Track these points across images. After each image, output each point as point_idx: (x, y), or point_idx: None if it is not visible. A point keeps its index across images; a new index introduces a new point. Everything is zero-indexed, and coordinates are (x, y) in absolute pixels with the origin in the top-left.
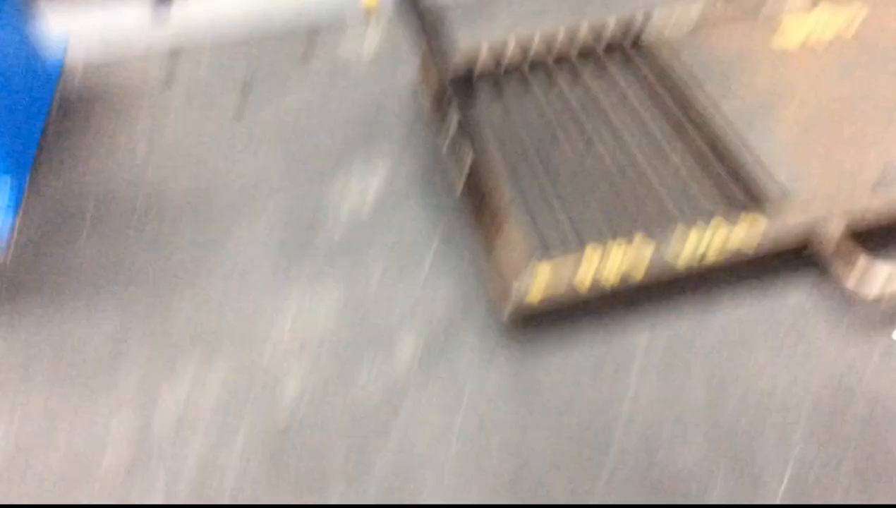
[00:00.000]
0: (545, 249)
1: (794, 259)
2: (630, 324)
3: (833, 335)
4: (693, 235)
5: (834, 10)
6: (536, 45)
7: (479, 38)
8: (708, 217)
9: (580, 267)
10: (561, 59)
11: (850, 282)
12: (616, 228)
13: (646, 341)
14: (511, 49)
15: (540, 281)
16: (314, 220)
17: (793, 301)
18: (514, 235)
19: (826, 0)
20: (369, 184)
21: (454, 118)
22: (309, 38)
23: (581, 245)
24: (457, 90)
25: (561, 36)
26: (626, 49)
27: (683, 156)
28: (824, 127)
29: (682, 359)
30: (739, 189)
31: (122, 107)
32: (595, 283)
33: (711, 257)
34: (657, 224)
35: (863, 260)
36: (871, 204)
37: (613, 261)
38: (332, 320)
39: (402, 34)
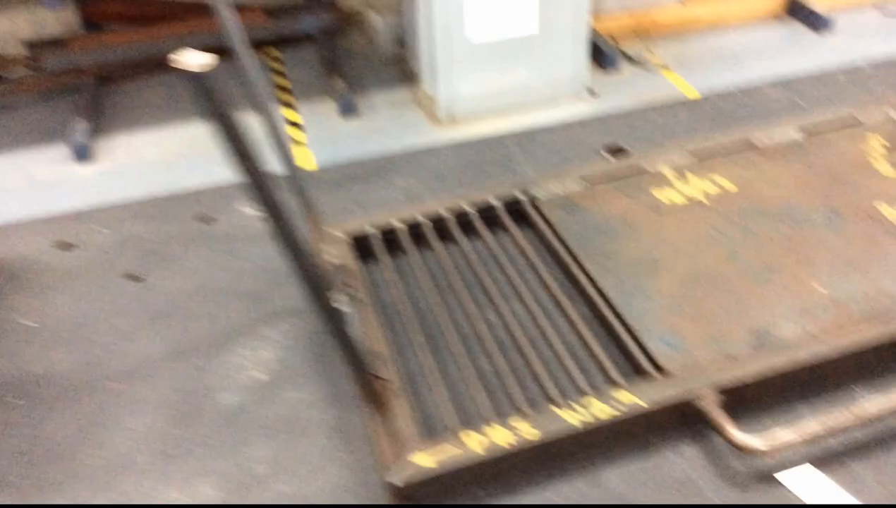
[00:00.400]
0: (422, 434)
1: (680, 420)
2: (520, 491)
3: (718, 489)
4: (567, 413)
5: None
6: (420, 217)
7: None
8: (581, 394)
9: (462, 446)
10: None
11: (735, 440)
12: (496, 408)
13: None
14: (399, 221)
15: (426, 458)
16: (198, 407)
17: (680, 459)
18: (394, 419)
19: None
20: (261, 364)
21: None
22: (215, 195)
23: (459, 427)
24: (340, 268)
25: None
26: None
27: (564, 327)
28: (701, 290)
29: None
30: (614, 363)
31: (16, 273)
32: (490, 449)
33: (600, 422)
34: (534, 403)
35: (736, 432)
36: (746, 372)
37: (499, 435)
38: (220, 497)
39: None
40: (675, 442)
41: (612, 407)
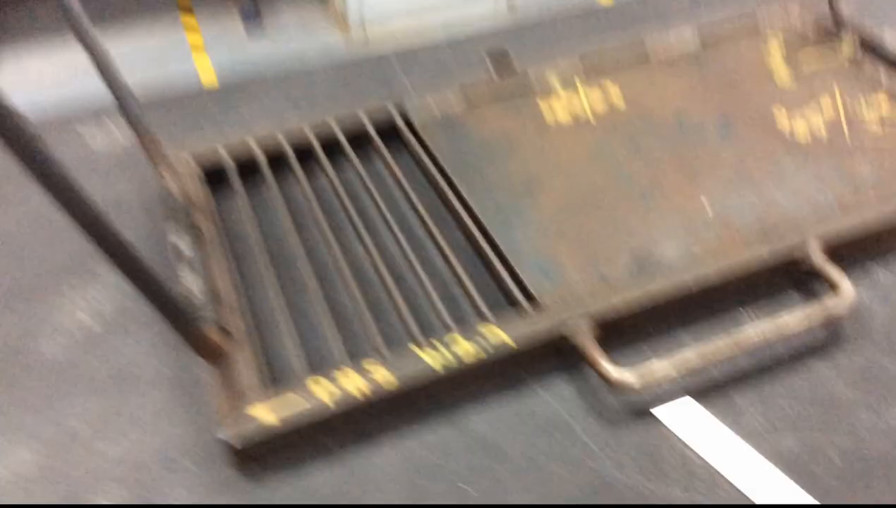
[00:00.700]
0: (266, 384)
1: (555, 355)
2: (377, 441)
3: (591, 428)
4: (428, 353)
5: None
6: (283, 140)
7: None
8: (446, 331)
9: (308, 396)
10: (307, 152)
11: (608, 376)
12: (351, 351)
13: (392, 460)
14: (258, 146)
15: (268, 412)
16: (16, 359)
17: (554, 398)
18: (234, 368)
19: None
20: (93, 308)
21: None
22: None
23: (308, 373)
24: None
25: (307, 131)
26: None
27: (435, 258)
28: (583, 212)
29: (430, 480)
30: (485, 296)
31: None
32: (340, 400)
33: (463, 364)
34: (394, 343)
35: (609, 367)
36: (623, 299)
37: (351, 382)
38: (37, 462)
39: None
40: (549, 380)
41: (478, 345)
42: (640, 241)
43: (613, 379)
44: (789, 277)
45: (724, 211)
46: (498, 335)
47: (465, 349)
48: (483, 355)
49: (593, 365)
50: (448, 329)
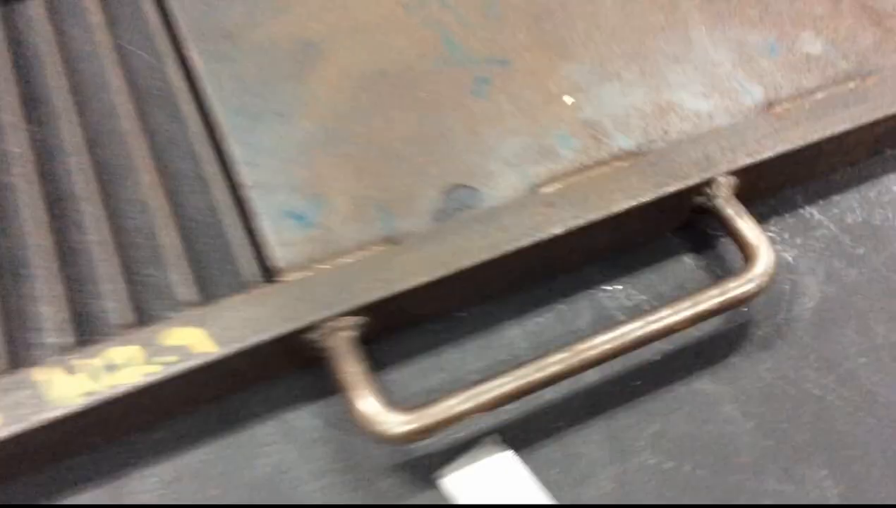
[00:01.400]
0: None
1: (297, 367)
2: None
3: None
4: (64, 379)
5: None
6: None
7: None
8: (106, 337)
9: None
10: None
11: (367, 423)
12: None
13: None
14: None
15: None
16: None
17: (281, 436)
18: None
19: None
20: None
21: None
22: None
23: None
24: None
25: None
26: None
27: (129, 189)
28: (381, 107)
29: None
30: (194, 266)
31: None
32: None
33: (123, 393)
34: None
35: (373, 404)
36: (413, 278)
37: None
38: None
39: None
40: (282, 407)
41: (149, 362)
42: (461, 165)
43: (366, 423)
44: (680, 232)
45: (597, 113)
46: (189, 338)
47: (130, 362)
48: (160, 372)
49: (347, 398)
50: (107, 334)
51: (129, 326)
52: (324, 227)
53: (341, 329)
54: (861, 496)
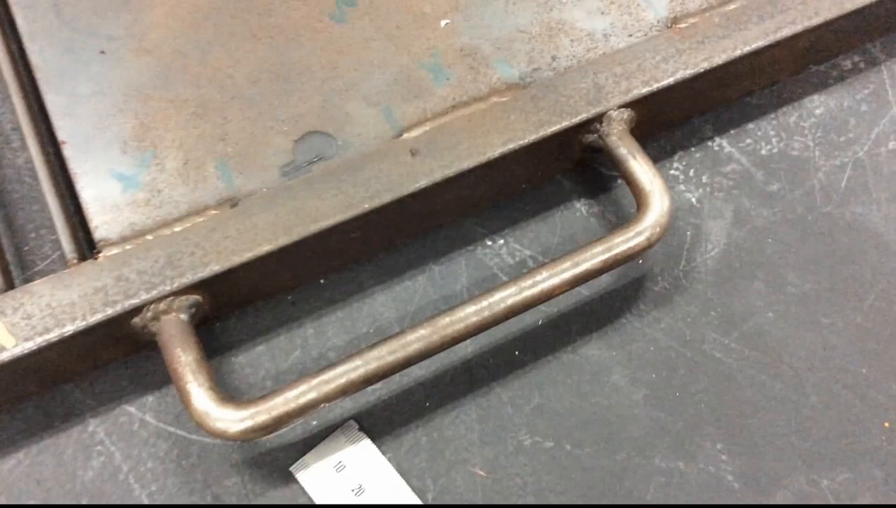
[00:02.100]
0: None
1: (124, 354)
2: None
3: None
4: None
5: None
6: None
7: None
8: None
9: None
10: None
11: (202, 420)
12: None
13: None
14: None
15: None
16: None
17: (104, 431)
18: None
19: None
20: None
21: None
22: None
23: None
24: None
25: None
26: None
27: None
28: (216, 43)
29: None
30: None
31: None
32: None
33: None
34: None
35: (205, 398)
36: (257, 249)
37: None
38: None
39: None
40: (107, 402)
41: None
42: (315, 107)
43: (212, 426)
44: (572, 174)
45: (476, 37)
46: None
47: None
48: None
49: (181, 392)
50: None
51: None
52: (152, 189)
53: (169, 311)
54: (759, 472)
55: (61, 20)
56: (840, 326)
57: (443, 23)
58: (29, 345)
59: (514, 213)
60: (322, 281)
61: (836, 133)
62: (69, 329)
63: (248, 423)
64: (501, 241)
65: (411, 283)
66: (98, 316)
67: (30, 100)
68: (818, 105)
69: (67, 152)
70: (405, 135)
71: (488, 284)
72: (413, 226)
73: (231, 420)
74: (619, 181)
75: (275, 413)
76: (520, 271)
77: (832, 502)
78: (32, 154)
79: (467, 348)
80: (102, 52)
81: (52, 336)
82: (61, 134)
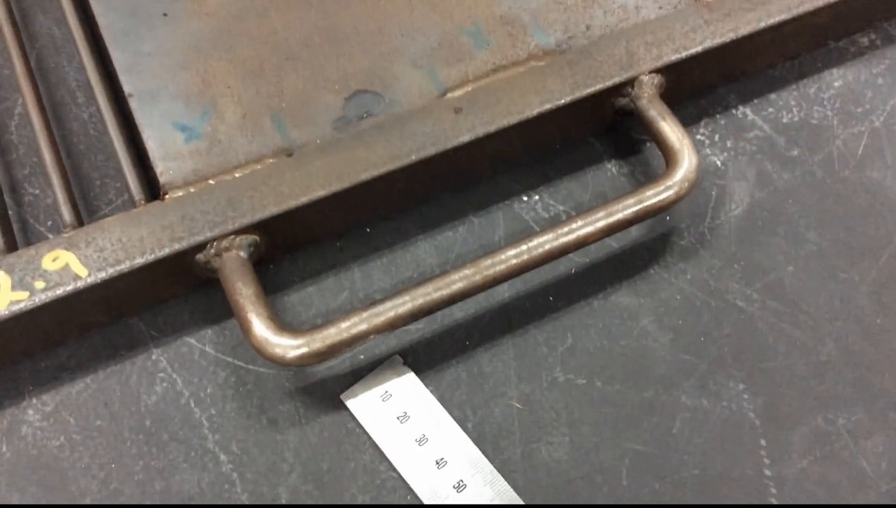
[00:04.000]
0: None
1: (185, 289)
2: None
3: (225, 426)
4: None
5: None
6: None
7: None
8: None
9: None
10: None
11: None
12: None
13: None
14: None
15: None
16: None
17: (168, 362)
18: None
19: None
20: None
21: None
22: None
23: None
24: None
25: None
26: None
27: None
28: (271, 8)
29: None
30: (82, 182)
31: None
32: None
33: None
34: None
35: (263, 327)
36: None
37: None
38: None
39: None
40: (170, 334)
41: (16, 290)
42: (364, 67)
43: (270, 352)
44: (603, 137)
45: (515, 7)
46: (61, 263)
47: (1, 292)
48: (26, 300)
49: (241, 322)
50: None
51: (6, 250)
52: (212, 139)
53: (231, 249)
54: (778, 411)
55: None
56: (856, 280)
57: None
58: (101, 275)
59: (549, 171)
60: (368, 229)
61: (854, 104)
62: (139, 261)
63: (304, 350)
64: (536, 197)
65: (452, 233)
66: (166, 250)
67: (98, 58)
68: (837, 78)
69: (133, 104)
70: (448, 95)
71: (521, 236)
72: (454, 179)
73: (288, 346)
74: (648, 144)
75: (328, 341)
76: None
77: (847, 439)
78: (101, 106)
79: (504, 293)
80: (165, 15)
81: (123, 267)
82: (127, 87)
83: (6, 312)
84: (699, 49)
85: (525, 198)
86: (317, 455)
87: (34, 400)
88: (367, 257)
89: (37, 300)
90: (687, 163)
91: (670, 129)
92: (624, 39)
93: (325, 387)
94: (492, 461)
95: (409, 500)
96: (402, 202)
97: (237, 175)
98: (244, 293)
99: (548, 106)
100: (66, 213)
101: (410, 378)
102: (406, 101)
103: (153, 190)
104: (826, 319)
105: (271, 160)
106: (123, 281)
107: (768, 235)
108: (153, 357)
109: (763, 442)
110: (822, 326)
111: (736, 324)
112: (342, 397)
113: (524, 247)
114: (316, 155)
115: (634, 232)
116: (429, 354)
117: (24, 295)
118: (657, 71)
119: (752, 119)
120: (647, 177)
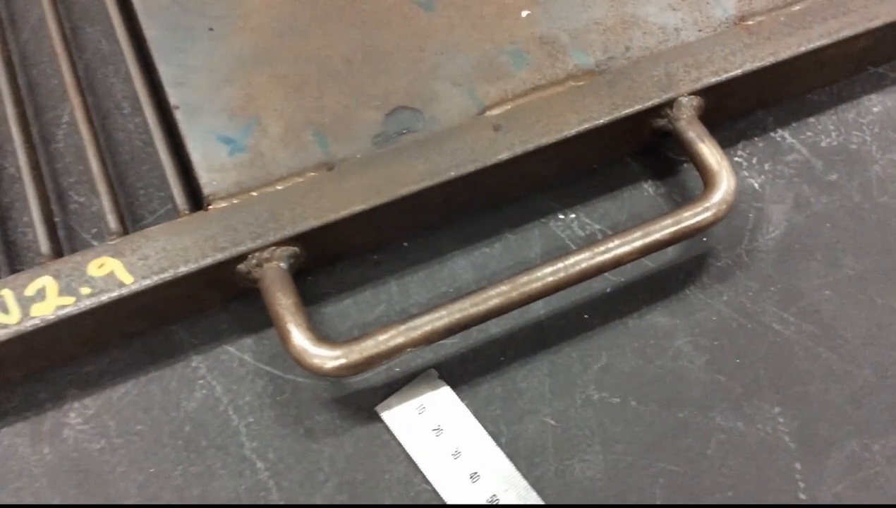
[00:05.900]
0: None
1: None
2: None
3: (264, 435)
4: None
5: None
6: None
7: None
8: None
9: None
10: None
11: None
12: None
13: None
14: None
15: None
16: None
17: (208, 370)
18: None
19: None
20: None
21: None
22: None
23: None
24: None
25: None
26: None
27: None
28: (312, 30)
29: None
30: (133, 195)
31: None
32: None
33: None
34: None
35: (303, 337)
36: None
37: None
38: None
39: None
40: (210, 342)
41: (62, 295)
42: (404, 85)
43: (308, 362)
44: (641, 157)
45: (554, 28)
46: (106, 269)
47: (43, 295)
48: (72, 305)
49: (280, 332)
50: (36, 260)
51: (53, 256)
52: (255, 152)
53: (271, 260)
54: (814, 435)
55: (174, 1)
56: (893, 307)
57: (523, 14)
58: (146, 282)
59: (586, 190)
60: (405, 244)
61: (893, 130)
62: (182, 270)
63: (342, 361)
64: (573, 215)
65: (488, 249)
66: (209, 260)
67: (144, 70)
68: (876, 103)
69: (179, 116)
70: (487, 113)
71: (557, 254)
72: (491, 196)
73: (326, 357)
74: (685, 165)
75: (366, 353)
76: (588, 244)
77: (883, 465)
78: (147, 117)
79: (540, 310)
80: (211, 30)
81: (167, 275)
82: (173, 100)
83: (53, 316)
84: (738, 72)
85: (561, 217)
86: (352, 466)
87: (76, 404)
88: (403, 271)
89: (82, 305)
90: (725, 185)
91: (709, 151)
92: (663, 61)
93: (360, 399)
94: (525, 477)
95: None
96: (439, 218)
97: (279, 187)
98: (284, 303)
99: (586, 125)
100: (112, 221)
101: (446, 391)
102: (445, 119)
103: (196, 200)
104: (862, 344)
105: (312, 174)
106: (167, 289)
107: (805, 259)
108: (193, 364)
109: (798, 466)
110: (858, 351)
111: (772, 347)
112: (377, 409)
113: (561, 265)
114: (356, 169)
115: (671, 252)
116: (463, 368)
117: (70, 300)
118: (696, 93)
119: (790, 142)
120: (683, 198)
